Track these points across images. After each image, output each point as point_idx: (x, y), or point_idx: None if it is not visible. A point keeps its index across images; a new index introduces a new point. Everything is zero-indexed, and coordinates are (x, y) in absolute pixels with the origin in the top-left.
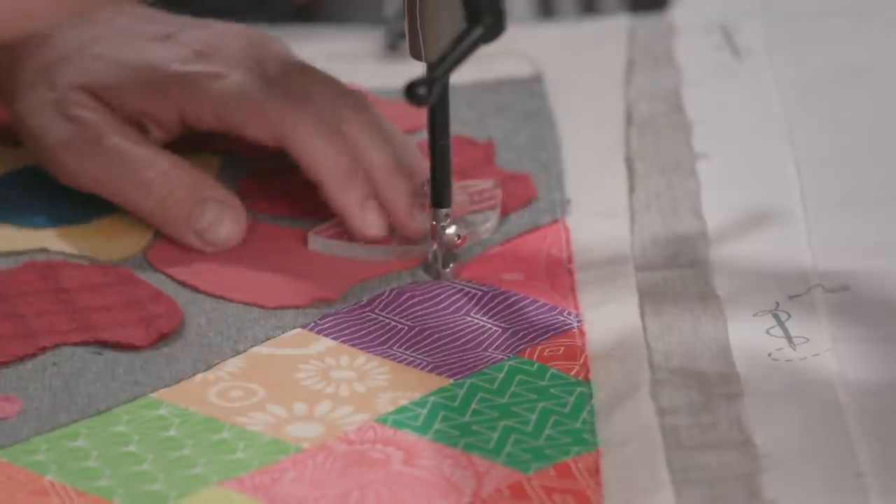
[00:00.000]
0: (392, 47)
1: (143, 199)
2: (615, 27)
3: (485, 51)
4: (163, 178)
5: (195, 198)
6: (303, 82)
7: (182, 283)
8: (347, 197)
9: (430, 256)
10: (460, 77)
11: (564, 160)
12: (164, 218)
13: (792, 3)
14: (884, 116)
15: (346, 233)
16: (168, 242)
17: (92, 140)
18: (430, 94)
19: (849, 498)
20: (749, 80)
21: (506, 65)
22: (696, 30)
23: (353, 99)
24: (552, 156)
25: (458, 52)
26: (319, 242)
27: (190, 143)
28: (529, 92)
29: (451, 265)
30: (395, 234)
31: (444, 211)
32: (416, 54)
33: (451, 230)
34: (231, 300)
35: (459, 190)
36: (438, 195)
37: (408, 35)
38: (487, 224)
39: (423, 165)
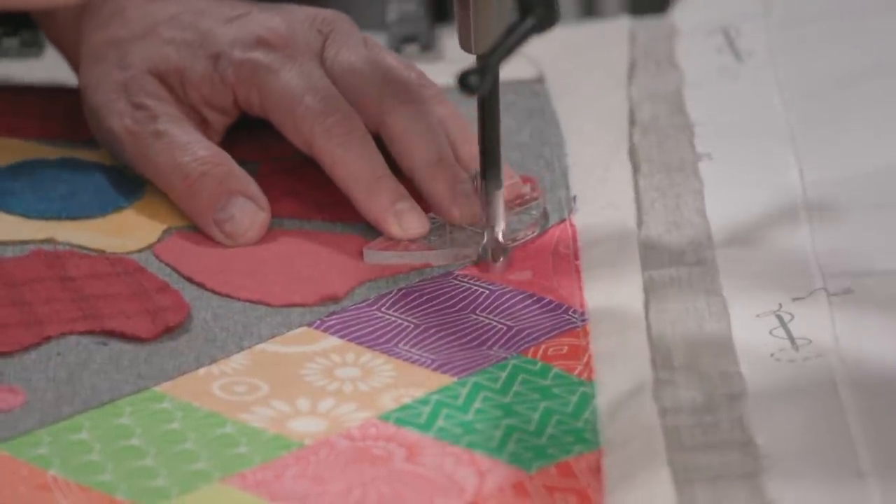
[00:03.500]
0: (395, 52)
1: (175, 182)
2: (616, 29)
3: None
4: (196, 164)
5: (223, 188)
6: (351, 77)
7: (189, 280)
8: (375, 205)
9: (480, 250)
10: None
11: (568, 157)
12: (190, 203)
13: (793, 6)
14: (886, 118)
15: (398, 242)
16: (177, 240)
17: (147, 125)
18: (481, 83)
19: (850, 498)
20: (751, 83)
21: (508, 67)
22: (697, 33)
23: (401, 90)
24: (556, 153)
25: (510, 42)
26: (374, 255)
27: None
28: (532, 92)
29: (502, 258)
30: (445, 234)
31: (497, 192)
32: (465, 46)
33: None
34: (237, 298)
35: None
36: (489, 182)
37: (458, 27)
38: (534, 212)
39: (475, 147)
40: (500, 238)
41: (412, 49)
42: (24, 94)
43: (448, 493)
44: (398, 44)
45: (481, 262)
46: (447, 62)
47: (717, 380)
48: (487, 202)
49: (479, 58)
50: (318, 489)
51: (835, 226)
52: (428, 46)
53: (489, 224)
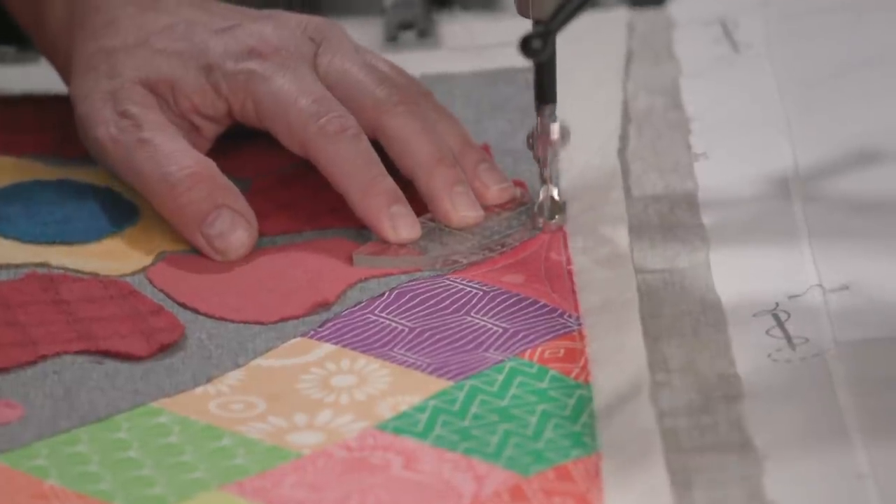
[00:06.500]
0: (391, 39)
1: (163, 193)
2: (614, 20)
3: (484, 42)
4: (183, 174)
5: (212, 202)
6: (346, 82)
7: (182, 306)
8: (370, 206)
9: (535, 209)
10: (459, 66)
11: (562, 160)
12: (177, 214)
13: None
14: (883, 111)
15: (389, 246)
16: (169, 265)
17: (132, 133)
18: (544, 47)
19: (849, 499)
20: (748, 74)
21: (505, 56)
22: (695, 24)
23: (397, 93)
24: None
25: (573, 5)
26: (364, 260)
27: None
28: (528, 83)
29: (557, 217)
30: (436, 239)
31: (549, 107)
32: (522, 11)
33: (555, 126)
34: (231, 321)
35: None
36: (544, 139)
37: None
38: (524, 216)
39: (474, 149)
40: (556, 197)
41: (409, 36)
42: (19, 105)
43: (446, 499)
44: (395, 30)
45: (539, 222)
46: (445, 50)
47: (715, 381)
48: (544, 161)
49: (535, 22)
50: (315, 496)
51: (830, 221)
52: (425, 33)
53: (545, 182)
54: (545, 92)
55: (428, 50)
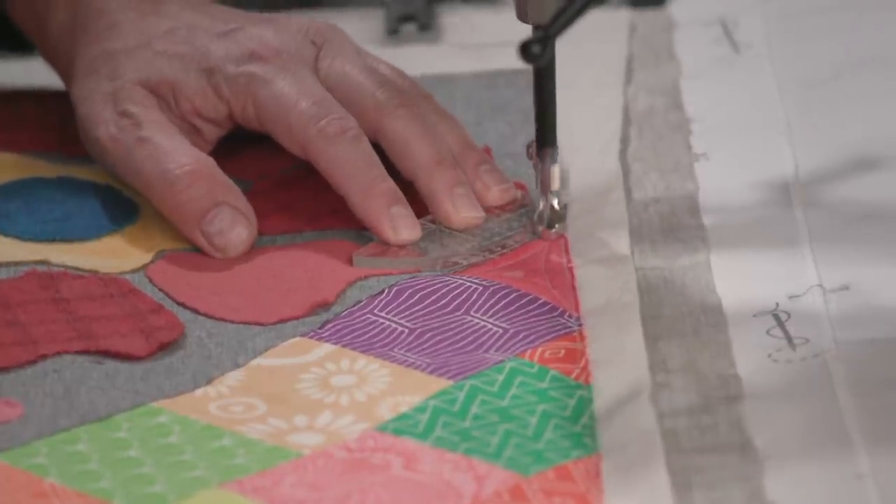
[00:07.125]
0: (391, 32)
1: (162, 190)
2: (615, 20)
3: (485, 36)
4: (182, 171)
5: (211, 199)
6: (347, 85)
7: (182, 305)
8: (370, 207)
9: (535, 217)
10: (460, 66)
11: (562, 161)
12: (176, 211)
13: None
14: (884, 113)
15: (389, 247)
16: (169, 263)
17: (132, 132)
18: (544, 52)
19: (849, 500)
20: (748, 75)
21: (505, 56)
22: (695, 25)
23: (397, 95)
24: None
25: (572, 10)
26: (364, 261)
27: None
28: (529, 85)
29: (557, 226)
30: (436, 240)
31: (553, 159)
32: (522, 16)
33: (555, 170)
34: (231, 321)
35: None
36: (544, 150)
37: None
38: (524, 218)
39: (475, 151)
40: (556, 206)
41: (410, 29)
42: (21, 102)
43: (446, 499)
44: (395, 23)
45: (538, 231)
46: (446, 46)
47: (715, 381)
48: (543, 170)
49: (534, 27)
50: (316, 495)
51: (830, 221)
52: (426, 26)
53: (544, 191)
54: (545, 134)
55: (429, 44)
